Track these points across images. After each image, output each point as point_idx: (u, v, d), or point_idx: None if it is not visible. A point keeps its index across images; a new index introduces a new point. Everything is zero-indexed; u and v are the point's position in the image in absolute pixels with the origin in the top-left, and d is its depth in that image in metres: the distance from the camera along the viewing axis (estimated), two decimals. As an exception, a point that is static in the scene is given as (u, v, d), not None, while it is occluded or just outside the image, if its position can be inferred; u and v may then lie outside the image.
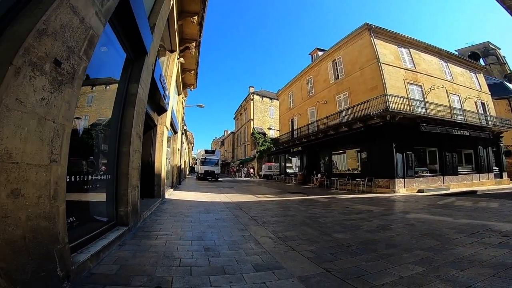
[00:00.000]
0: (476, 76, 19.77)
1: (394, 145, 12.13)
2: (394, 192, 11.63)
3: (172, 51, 9.41)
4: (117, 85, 4.02)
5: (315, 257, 3.06)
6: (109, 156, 3.60)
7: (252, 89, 43.63)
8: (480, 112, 17.94)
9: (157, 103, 7.63)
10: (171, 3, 6.70)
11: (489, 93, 19.94)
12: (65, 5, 1.94)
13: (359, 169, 14.53)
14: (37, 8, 1.76)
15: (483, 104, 18.72)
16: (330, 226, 4.85)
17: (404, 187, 12.07)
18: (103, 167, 3.43)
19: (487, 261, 2.74)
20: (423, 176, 13.32)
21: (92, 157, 3.17)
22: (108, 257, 2.88)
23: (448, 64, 17.84)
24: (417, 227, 4.66)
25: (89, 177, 3.02)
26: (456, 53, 33.66)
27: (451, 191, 12.86)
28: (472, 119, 16.25)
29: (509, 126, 18.61)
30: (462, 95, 17.27)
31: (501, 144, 19.08)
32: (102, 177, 3.33)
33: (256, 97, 42.05)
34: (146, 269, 2.60)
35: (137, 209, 4.30)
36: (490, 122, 17.88)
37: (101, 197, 3.49)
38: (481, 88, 19.40)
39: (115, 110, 3.87)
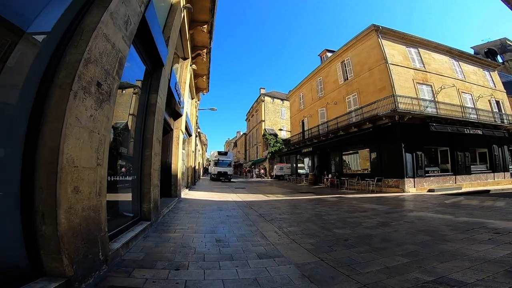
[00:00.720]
0: (490, 74, 19.41)
1: (403, 145, 12.24)
2: (404, 192, 11.74)
3: (185, 58, 9.98)
4: (138, 95, 4.56)
5: (313, 248, 3.45)
6: (134, 159, 4.13)
7: (263, 91, 44.06)
8: (494, 110, 17.64)
9: (173, 109, 8.19)
10: (182, 15, 7.23)
11: (504, 91, 19.50)
12: (101, 35, 2.41)
13: (369, 169, 14.66)
14: (81, 39, 2.23)
15: (497, 102, 18.37)
16: (333, 223, 5.20)
17: (414, 187, 12.15)
18: (130, 169, 3.95)
19: (469, 255, 3.00)
20: (434, 176, 13.32)
21: (120, 160, 3.69)
22: (135, 246, 3.38)
23: (460, 62, 17.64)
24: (415, 224, 4.94)
25: (119, 177, 3.54)
26: (472, 50, 32.88)
27: (463, 190, 12.80)
28: (485, 117, 16.01)
29: (526, 124, 18.15)
30: (475, 93, 17.05)
31: (517, 143, 18.65)
32: (129, 178, 3.86)
33: (267, 98, 42.44)
34: (167, 256, 3.08)
35: (157, 206, 4.83)
36: (505, 121, 17.55)
37: (128, 195, 4.02)
38: (495, 86, 19.03)
39: (138, 118, 4.41)
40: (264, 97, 42.36)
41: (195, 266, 2.78)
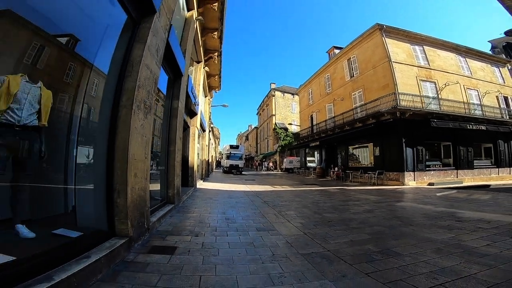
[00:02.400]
0: (500, 70, 19.40)
1: (404, 140, 12.88)
2: (403, 185, 12.45)
3: (198, 62, 10.98)
4: (163, 101, 5.59)
5: (301, 226, 4.39)
6: (162, 154, 5.18)
7: (273, 86, 44.77)
8: (502, 106, 17.77)
9: (190, 109, 9.23)
10: (195, 26, 8.18)
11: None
12: (144, 65, 3.37)
13: (372, 162, 15.36)
14: (133, 70, 3.21)
15: (505, 98, 18.42)
16: (325, 209, 6.12)
17: (414, 180, 12.82)
18: (159, 162, 5.00)
19: (419, 236, 3.72)
20: (435, 170, 13.90)
21: (154, 155, 4.74)
22: (165, 222, 4.44)
23: (467, 59, 17.80)
24: (395, 212, 5.76)
25: (154, 168, 4.59)
26: (489, 44, 32.03)
27: (464, 184, 13.32)
28: (490, 113, 16.25)
29: (535, 120, 18.10)
30: (481, 89, 17.23)
31: (526, 138, 18.68)
32: (160, 168, 4.92)
33: (277, 93, 43.13)
34: (189, 228, 4.11)
35: (179, 192, 5.91)
36: (513, 116, 17.64)
37: (157, 183, 5.08)
38: (504, 82, 19.03)
39: (164, 120, 5.44)
40: (274, 92, 43.09)
41: (209, 234, 3.79)
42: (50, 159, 2.48)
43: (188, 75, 7.91)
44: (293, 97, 42.47)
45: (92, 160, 2.82)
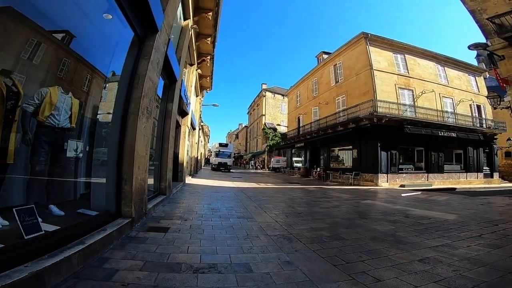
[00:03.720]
0: (476, 79, 20.67)
1: (379, 144, 13.98)
2: (377, 186, 13.52)
3: (191, 64, 11.63)
4: (159, 103, 6.28)
5: (275, 216, 5.18)
6: (157, 150, 5.89)
7: (264, 86, 45.62)
8: (474, 114, 19.09)
9: (182, 109, 9.89)
10: (190, 33, 8.86)
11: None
12: (147, 78, 4.06)
13: (351, 164, 16.43)
14: (139, 83, 3.92)
15: (478, 106, 19.72)
16: (299, 204, 6.98)
17: (387, 182, 13.92)
18: (154, 157, 5.71)
19: (365, 226, 4.51)
20: (407, 173, 15.08)
21: (151, 152, 5.44)
22: (158, 209, 5.16)
23: (445, 68, 18.95)
24: (357, 208, 6.63)
25: (150, 163, 5.30)
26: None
27: (433, 187, 14.48)
28: (462, 121, 17.51)
29: (503, 128, 19.48)
30: (456, 98, 18.43)
31: (494, 146, 20.17)
32: (154, 163, 5.62)
33: (268, 93, 44.00)
34: (179, 214, 4.84)
35: (170, 185, 6.63)
36: (484, 125, 19.02)
37: (151, 177, 5.78)
38: (478, 91, 20.30)
39: (159, 120, 6.14)
40: (265, 92, 43.93)
41: (196, 219, 4.55)
42: (73, 152, 3.19)
43: (182, 79, 8.60)
44: (283, 98, 43.32)
45: (106, 156, 3.52)
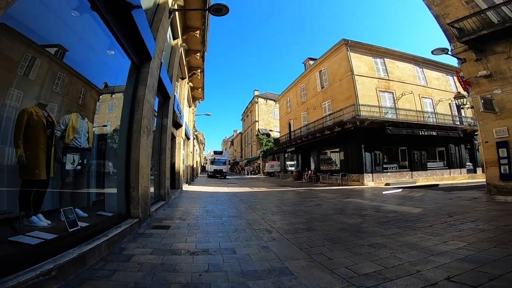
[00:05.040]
0: (454, 78, 21.60)
1: (363, 146, 14.89)
2: (363, 185, 14.37)
3: (183, 78, 12.44)
4: (155, 118, 7.04)
5: (262, 214, 5.93)
6: (155, 161, 6.63)
7: (256, 92, 46.63)
8: (454, 113, 20.12)
9: (175, 121, 10.66)
10: (180, 50, 9.68)
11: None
12: (146, 101, 4.84)
13: (339, 166, 17.31)
14: (139, 106, 4.70)
15: (457, 105, 20.77)
16: (286, 204, 7.76)
17: (372, 181, 14.79)
18: (154, 168, 6.46)
19: (338, 220, 5.22)
20: (391, 172, 15.99)
21: (151, 163, 6.19)
22: (159, 212, 5.89)
23: (424, 69, 19.83)
24: (336, 205, 7.36)
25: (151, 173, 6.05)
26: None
27: (417, 184, 15.35)
28: (442, 120, 18.46)
29: (480, 125, 20.50)
30: (436, 98, 19.40)
31: (475, 142, 21.20)
32: (154, 172, 6.37)
33: (260, 100, 45.02)
34: (178, 216, 5.58)
35: (169, 192, 7.36)
36: (465, 122, 20.04)
37: (152, 183, 6.51)
38: (457, 90, 21.24)
39: (156, 134, 6.90)
40: (257, 99, 44.92)
41: (193, 219, 5.30)
42: (90, 167, 3.94)
43: (174, 95, 9.38)
44: (276, 103, 44.08)
45: (117, 169, 4.27)
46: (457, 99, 10.51)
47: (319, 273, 2.53)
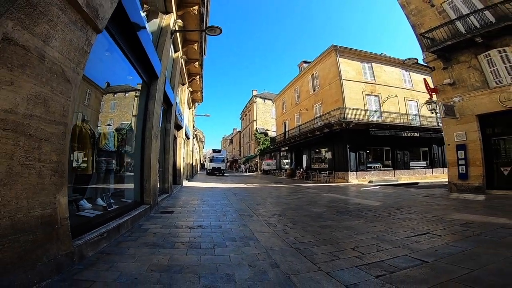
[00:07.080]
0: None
1: (348, 146, 16.19)
2: (348, 182, 15.68)
3: (183, 84, 13.69)
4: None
5: (249, 204, 7.25)
6: (161, 160, 7.92)
7: (255, 92, 47.85)
8: (438, 115, 21.32)
9: (177, 124, 11.94)
10: (181, 61, 10.93)
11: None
12: (155, 113, 6.09)
13: (327, 164, 18.62)
14: (150, 117, 5.97)
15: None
16: (272, 197, 9.05)
17: (357, 179, 16.11)
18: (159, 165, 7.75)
19: (309, 210, 6.67)
20: (375, 170, 17.30)
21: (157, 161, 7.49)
22: (164, 202, 7.18)
23: (410, 73, 20.90)
24: (313, 199, 8.66)
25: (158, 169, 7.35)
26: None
27: (398, 182, 16.64)
28: (426, 122, 19.66)
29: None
30: (421, 100, 20.51)
31: (458, 143, 22.46)
32: (159, 170, 7.67)
33: (258, 99, 46.24)
34: (179, 205, 6.89)
35: (171, 186, 8.67)
36: (449, 124, 21.28)
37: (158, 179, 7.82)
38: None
39: (161, 137, 8.18)
40: (256, 99, 46.13)
41: (191, 207, 6.60)
42: (115, 165, 5.23)
43: (176, 102, 10.65)
44: (273, 103, 45.55)
45: (133, 166, 5.57)
46: (428, 104, 11.68)
47: (274, 240, 3.80)
